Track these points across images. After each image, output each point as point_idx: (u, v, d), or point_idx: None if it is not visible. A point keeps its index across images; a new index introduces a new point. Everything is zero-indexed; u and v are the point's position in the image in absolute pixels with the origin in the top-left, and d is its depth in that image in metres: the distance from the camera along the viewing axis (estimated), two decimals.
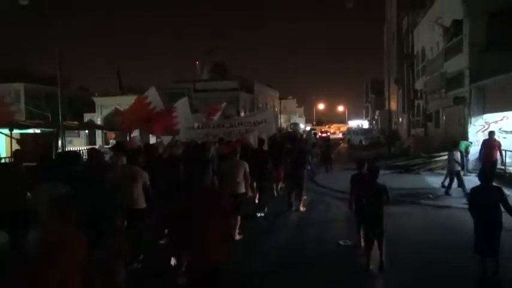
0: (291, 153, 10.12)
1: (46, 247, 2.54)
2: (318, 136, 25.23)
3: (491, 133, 12.14)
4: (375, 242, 5.64)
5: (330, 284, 5.48)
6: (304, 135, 19.60)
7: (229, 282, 4.51)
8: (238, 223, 7.21)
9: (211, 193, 3.86)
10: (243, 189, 7.18)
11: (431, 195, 10.92)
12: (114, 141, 22.74)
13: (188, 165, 5.32)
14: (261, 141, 9.84)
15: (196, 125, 11.41)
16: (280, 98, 63.98)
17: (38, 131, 18.75)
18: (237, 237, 7.10)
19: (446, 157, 15.66)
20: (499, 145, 11.94)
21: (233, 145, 9.20)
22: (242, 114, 40.18)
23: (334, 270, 5.88)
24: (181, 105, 9.93)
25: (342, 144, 37.64)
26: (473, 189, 5.47)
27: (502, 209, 5.08)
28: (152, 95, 9.35)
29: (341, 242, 6.94)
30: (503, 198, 5.08)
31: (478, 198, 5.22)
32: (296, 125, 39.14)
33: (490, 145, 11.81)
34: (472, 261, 5.46)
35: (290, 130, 28.57)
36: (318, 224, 8.49)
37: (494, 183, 5.46)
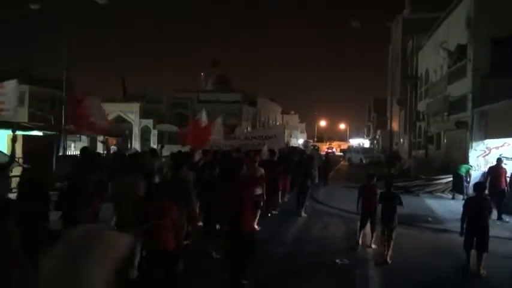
0: (299, 166, 11.56)
1: (151, 213, 4.16)
2: (325, 152, 27.41)
3: (499, 160, 11.54)
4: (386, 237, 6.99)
5: None
6: (309, 151, 20.96)
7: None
8: (257, 217, 8.24)
9: (243, 181, 5.45)
10: (259, 191, 8.30)
11: (430, 218, 10.87)
12: (116, 148, 22.81)
13: (227, 165, 6.93)
14: (272, 152, 11.21)
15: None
16: (283, 113, 64.22)
17: (40, 133, 18.79)
18: (256, 227, 7.70)
19: (445, 180, 15.72)
20: (505, 172, 11.29)
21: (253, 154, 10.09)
22: (244, 127, 40.27)
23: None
24: (218, 122, 12.04)
25: (342, 162, 37.64)
26: (468, 199, 7.07)
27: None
28: (204, 117, 11.59)
29: (338, 261, 6.88)
30: (490, 207, 6.60)
31: (474, 206, 6.44)
32: (308, 142, 44.12)
33: (497, 172, 11.21)
34: (464, 282, 5.53)
35: (302, 147, 31.67)
36: (316, 241, 8.44)
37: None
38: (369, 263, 6.92)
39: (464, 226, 6.37)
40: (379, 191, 7.68)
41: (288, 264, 6.82)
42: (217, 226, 6.67)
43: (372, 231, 7.74)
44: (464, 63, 16.52)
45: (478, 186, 6.83)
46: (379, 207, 7.40)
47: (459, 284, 6.08)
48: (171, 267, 4.30)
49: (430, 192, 15.47)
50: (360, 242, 7.73)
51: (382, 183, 8.16)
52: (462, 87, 16.60)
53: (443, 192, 15.49)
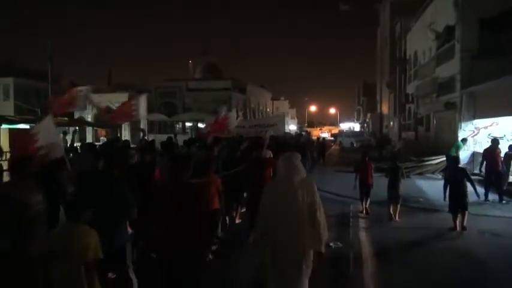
0: (298, 148, 12.37)
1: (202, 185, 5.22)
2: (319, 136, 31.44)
3: (495, 141, 11.02)
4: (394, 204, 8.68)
5: (316, 282, 5.46)
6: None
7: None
8: None
9: (262, 158, 7.65)
10: None
11: (421, 199, 10.98)
12: (105, 139, 22.57)
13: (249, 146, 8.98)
14: (272, 138, 12.37)
15: None
16: (273, 99, 64.04)
17: (26, 126, 18.48)
18: None
19: (436, 161, 15.88)
20: (500, 153, 10.85)
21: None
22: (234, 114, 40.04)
23: (323, 270, 5.86)
24: (232, 115, 13.83)
25: (333, 146, 37.80)
26: (449, 170, 8.76)
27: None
28: (224, 112, 13.32)
29: (331, 244, 6.92)
30: (468, 175, 7.96)
31: (454, 177, 7.91)
32: (302, 128, 46.65)
33: (494, 153, 10.77)
34: (454, 259, 5.79)
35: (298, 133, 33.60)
36: None
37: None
38: (362, 245, 6.98)
39: (447, 193, 7.91)
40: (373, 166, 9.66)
41: None
42: (244, 194, 8.36)
43: (366, 200, 9.31)
44: (452, 44, 16.54)
45: (452, 160, 8.63)
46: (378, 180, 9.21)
47: (449, 261, 6.17)
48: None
49: (421, 173, 15.63)
50: (364, 211, 9.28)
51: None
52: (450, 69, 16.67)
53: (433, 173, 15.65)
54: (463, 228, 7.66)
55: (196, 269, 4.05)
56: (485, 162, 10.96)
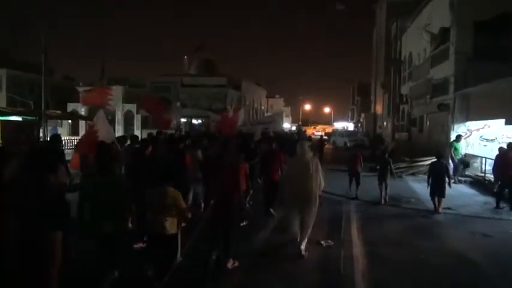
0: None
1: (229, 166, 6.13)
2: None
3: (510, 145, 10.25)
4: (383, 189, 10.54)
5: (307, 281, 5.49)
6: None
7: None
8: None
9: (272, 150, 9.49)
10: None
11: (412, 199, 11.06)
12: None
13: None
14: (264, 133, 14.09)
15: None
16: (268, 97, 64.03)
17: (19, 118, 18.34)
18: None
19: (428, 162, 15.90)
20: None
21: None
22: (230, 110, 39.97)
23: (314, 269, 5.90)
24: (241, 113, 16.33)
25: (326, 145, 37.85)
26: (432, 163, 10.19)
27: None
28: (230, 110, 15.97)
29: (322, 242, 6.96)
30: (447, 168, 9.66)
31: (435, 168, 9.59)
32: (300, 126, 52.40)
33: (508, 157, 10.02)
34: (444, 259, 5.80)
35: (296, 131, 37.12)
36: None
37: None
38: (354, 244, 7.02)
39: (430, 182, 9.49)
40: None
41: (272, 245, 6.86)
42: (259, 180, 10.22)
43: (357, 187, 11.09)
44: (447, 46, 16.62)
45: (437, 154, 10.01)
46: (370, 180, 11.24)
47: (440, 261, 6.22)
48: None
49: (413, 174, 15.71)
50: (355, 196, 10.99)
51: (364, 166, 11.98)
52: (444, 70, 16.75)
53: (425, 174, 15.69)
54: (439, 211, 9.37)
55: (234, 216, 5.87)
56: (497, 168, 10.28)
